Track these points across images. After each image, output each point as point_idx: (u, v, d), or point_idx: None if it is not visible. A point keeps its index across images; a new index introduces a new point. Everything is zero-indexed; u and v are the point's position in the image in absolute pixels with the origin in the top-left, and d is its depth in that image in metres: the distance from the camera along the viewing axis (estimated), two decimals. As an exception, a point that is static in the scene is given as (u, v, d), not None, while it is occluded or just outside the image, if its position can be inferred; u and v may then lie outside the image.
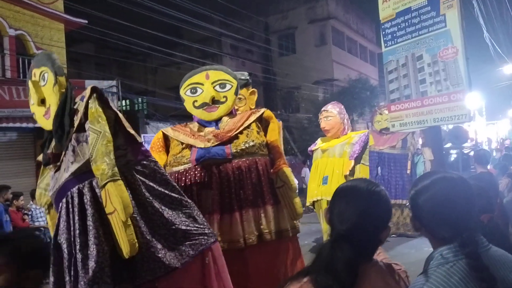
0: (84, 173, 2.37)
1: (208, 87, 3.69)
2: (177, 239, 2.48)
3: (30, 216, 7.16)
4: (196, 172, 3.48)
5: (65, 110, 2.46)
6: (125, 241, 2.22)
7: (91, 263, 2.22)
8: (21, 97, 11.31)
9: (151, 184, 2.52)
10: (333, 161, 6.54)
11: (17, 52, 12.10)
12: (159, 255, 2.37)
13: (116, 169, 2.29)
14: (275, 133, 3.84)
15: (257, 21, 26.05)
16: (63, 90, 2.50)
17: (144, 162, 2.60)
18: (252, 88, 4.65)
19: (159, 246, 2.39)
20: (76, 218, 2.31)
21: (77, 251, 2.25)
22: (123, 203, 2.22)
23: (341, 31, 28.07)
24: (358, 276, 1.25)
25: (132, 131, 2.64)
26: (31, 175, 11.81)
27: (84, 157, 2.38)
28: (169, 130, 3.83)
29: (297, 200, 3.65)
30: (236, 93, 3.79)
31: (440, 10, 3.33)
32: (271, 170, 3.75)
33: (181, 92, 3.80)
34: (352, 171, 6.31)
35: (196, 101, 3.73)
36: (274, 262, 3.71)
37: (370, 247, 1.38)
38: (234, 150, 3.59)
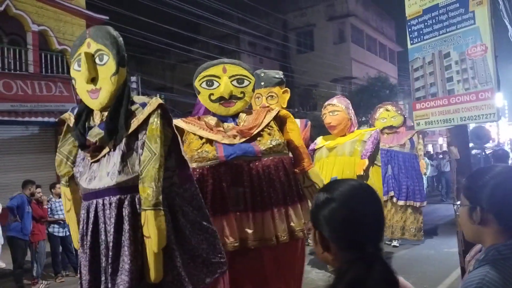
0: (129, 186, 2.35)
1: (226, 81, 3.62)
2: (196, 265, 2.52)
3: (49, 209, 7.26)
4: (225, 169, 3.43)
5: (121, 107, 2.40)
6: (152, 268, 2.26)
7: (123, 277, 2.23)
8: (43, 91, 11.49)
9: (186, 209, 2.53)
10: (342, 160, 5.81)
11: (40, 47, 12.29)
12: (185, 279, 2.40)
13: (160, 198, 2.28)
14: (296, 133, 3.82)
15: (275, 18, 25.96)
16: (121, 82, 2.44)
17: (186, 186, 2.62)
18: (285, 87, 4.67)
19: (183, 271, 2.41)
20: (112, 230, 2.30)
21: (109, 263, 2.27)
22: (159, 235, 2.23)
23: (360, 28, 27.81)
24: None
25: (185, 155, 2.64)
26: (51, 168, 11.93)
27: (133, 171, 2.35)
28: (180, 122, 3.69)
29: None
30: (253, 90, 3.77)
31: (469, 7, 3.25)
32: (296, 170, 3.74)
33: (196, 83, 3.72)
34: (367, 172, 5.64)
35: (212, 94, 3.66)
36: (293, 259, 3.73)
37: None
38: (263, 148, 3.57)
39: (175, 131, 2.55)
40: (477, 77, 3.23)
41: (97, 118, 2.53)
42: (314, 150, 6.18)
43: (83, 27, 13.13)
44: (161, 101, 2.42)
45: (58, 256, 7.35)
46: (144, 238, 2.28)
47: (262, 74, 4.80)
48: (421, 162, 8.19)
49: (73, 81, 2.55)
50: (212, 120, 3.71)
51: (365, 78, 22.47)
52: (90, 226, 2.38)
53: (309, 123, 5.43)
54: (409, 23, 3.73)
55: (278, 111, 3.79)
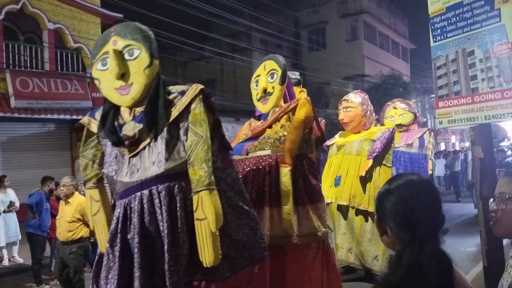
0: (177, 172, 2.35)
1: (263, 78, 3.64)
2: (237, 249, 2.51)
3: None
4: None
5: (158, 98, 2.39)
6: (210, 251, 2.25)
7: (182, 263, 2.26)
8: (59, 89, 11.61)
9: (229, 194, 2.53)
10: (348, 159, 5.63)
11: (56, 45, 12.41)
12: (224, 262, 2.40)
13: (213, 178, 2.28)
14: (293, 125, 3.54)
15: (287, 15, 25.90)
16: (155, 74, 2.42)
17: (228, 171, 2.62)
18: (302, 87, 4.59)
19: (226, 255, 2.41)
20: (166, 216, 2.29)
21: (165, 251, 2.25)
22: (216, 214, 2.23)
23: (373, 26, 27.63)
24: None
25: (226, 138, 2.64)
26: (67, 165, 12.15)
27: (180, 157, 2.35)
28: (246, 124, 3.89)
29: (285, 206, 3.33)
30: (281, 83, 3.61)
31: (495, 5, 3.22)
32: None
33: (251, 86, 3.81)
34: (370, 173, 5.46)
35: (257, 93, 3.71)
36: (285, 270, 3.54)
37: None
38: (249, 147, 3.56)
39: (217, 115, 2.54)
40: (502, 75, 3.20)
41: (126, 115, 2.50)
42: (328, 147, 6.03)
43: (98, 25, 13.24)
44: (202, 86, 2.41)
45: (75, 252, 7.43)
46: (197, 222, 2.27)
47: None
48: (428, 163, 7.65)
49: (96, 81, 2.52)
50: (254, 121, 3.80)
51: (378, 76, 22.32)
52: (135, 219, 2.34)
53: (323, 121, 5.36)
54: (431, 21, 3.70)
55: (297, 102, 3.62)
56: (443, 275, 1.18)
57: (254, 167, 3.46)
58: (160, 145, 2.37)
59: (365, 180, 5.47)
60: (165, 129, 2.37)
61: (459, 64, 3.49)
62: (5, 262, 7.91)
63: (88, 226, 5.50)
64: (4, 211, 7.83)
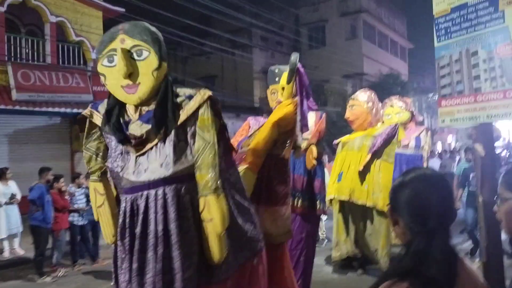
0: (184, 175, 2.41)
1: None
2: (241, 243, 2.61)
3: (69, 198, 7.40)
4: None
5: (167, 100, 2.42)
6: (216, 250, 2.35)
7: (193, 261, 2.33)
8: (60, 82, 11.61)
9: (232, 192, 2.61)
10: (350, 155, 5.76)
11: (57, 38, 12.41)
12: (230, 258, 2.48)
13: (220, 182, 2.36)
14: (261, 129, 3.50)
15: (288, 13, 25.93)
16: (163, 77, 2.45)
17: (231, 171, 2.70)
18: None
19: (232, 250, 2.51)
20: (173, 216, 2.35)
21: (172, 250, 2.32)
22: (222, 216, 2.33)
23: (372, 25, 27.72)
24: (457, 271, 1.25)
25: (231, 141, 2.74)
26: (67, 159, 12.17)
27: (187, 160, 2.41)
28: (251, 119, 3.97)
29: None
30: (288, 82, 3.65)
31: (499, 6, 3.29)
32: None
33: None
34: (368, 167, 5.54)
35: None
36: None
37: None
38: (244, 142, 3.61)
39: (223, 120, 2.60)
40: (505, 76, 3.27)
41: (132, 111, 2.51)
42: (337, 145, 6.17)
43: (100, 19, 13.24)
44: (210, 93, 2.45)
45: (77, 245, 7.50)
46: (204, 222, 2.36)
47: (276, 70, 4.77)
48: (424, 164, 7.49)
49: (102, 77, 2.50)
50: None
51: (377, 75, 22.40)
52: (141, 216, 2.42)
53: (324, 114, 5.35)
54: (436, 21, 3.76)
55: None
56: (448, 265, 1.23)
57: (237, 162, 3.39)
58: (168, 147, 2.40)
59: (363, 175, 5.54)
60: (172, 132, 2.40)
61: (462, 64, 3.55)
62: (6, 254, 7.96)
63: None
64: (6, 203, 7.88)
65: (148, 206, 2.40)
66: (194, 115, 2.42)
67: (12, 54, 11.78)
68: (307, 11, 27.08)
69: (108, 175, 2.76)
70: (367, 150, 5.57)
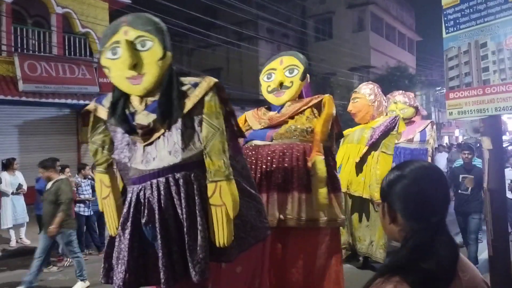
0: (193, 162, 2.44)
1: (279, 72, 3.77)
2: (246, 229, 2.63)
3: (75, 189, 7.44)
4: (245, 152, 3.56)
5: (172, 89, 2.44)
6: (226, 233, 2.38)
7: (201, 244, 2.34)
8: (66, 74, 11.63)
9: (238, 179, 2.61)
10: (350, 148, 5.81)
11: (63, 30, 12.41)
12: (234, 243, 2.50)
13: (231, 169, 2.40)
14: (321, 120, 3.77)
15: (294, 5, 25.75)
16: (168, 66, 2.47)
17: (238, 158, 2.73)
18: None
19: (239, 233, 2.54)
20: (184, 202, 2.38)
21: (184, 233, 2.35)
22: (234, 202, 2.38)
23: (380, 17, 27.46)
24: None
25: (238, 127, 2.76)
26: (73, 150, 12.23)
27: (195, 147, 2.44)
28: (249, 113, 4.03)
29: (322, 190, 3.55)
30: (302, 78, 3.80)
31: (509, -3, 3.25)
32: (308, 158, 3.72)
33: (260, 78, 3.94)
34: (365, 159, 5.57)
35: (269, 86, 3.84)
36: (309, 251, 3.72)
37: None
38: (274, 134, 3.67)
39: (230, 107, 2.63)
40: (514, 68, 3.23)
41: (136, 103, 2.53)
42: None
43: (106, 10, 13.22)
44: (216, 80, 2.47)
45: (83, 235, 7.55)
46: (213, 207, 2.39)
47: None
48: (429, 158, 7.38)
49: (106, 70, 2.54)
50: (261, 110, 3.95)
51: (384, 68, 22.23)
52: (156, 205, 2.42)
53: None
54: (444, 12, 3.72)
55: (322, 99, 3.78)
56: (450, 260, 1.19)
57: (281, 153, 3.62)
58: (175, 135, 2.43)
59: (360, 166, 5.58)
60: (179, 120, 2.42)
61: (471, 56, 3.51)
62: (13, 244, 8.03)
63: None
64: (13, 193, 7.94)
65: (160, 193, 2.41)
66: (200, 103, 2.43)
67: (19, 45, 11.80)
68: (314, 3, 26.87)
69: (115, 167, 2.81)
70: (365, 142, 5.61)
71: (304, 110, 3.75)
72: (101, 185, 2.81)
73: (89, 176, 7.77)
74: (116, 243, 2.52)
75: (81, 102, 11.34)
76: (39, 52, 12.05)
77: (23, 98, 10.73)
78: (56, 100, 11.17)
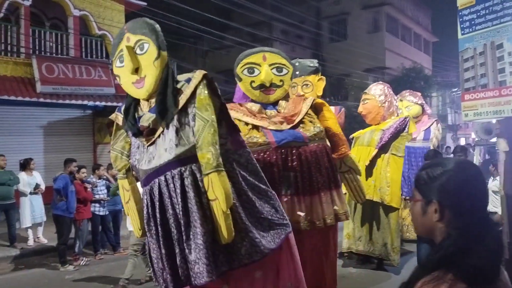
0: (188, 157, 2.47)
1: (266, 69, 3.73)
2: (264, 227, 2.62)
3: (91, 189, 7.54)
4: (276, 154, 3.55)
5: (167, 87, 2.51)
6: (224, 228, 2.37)
7: (197, 241, 2.35)
8: (83, 75, 11.78)
9: (244, 173, 2.63)
10: (360, 150, 5.72)
11: (80, 32, 12.58)
12: (257, 240, 2.49)
13: (220, 160, 2.39)
14: (333, 121, 3.92)
15: (309, 6, 25.66)
16: (164, 65, 2.54)
17: (240, 152, 2.73)
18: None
19: (255, 232, 2.52)
20: (179, 199, 2.41)
21: (182, 231, 2.39)
22: (225, 194, 2.36)
23: (395, 17, 27.22)
24: None
25: (235, 121, 2.77)
26: (89, 150, 12.38)
27: (189, 142, 2.46)
28: (232, 110, 3.87)
29: (362, 184, 3.92)
30: (291, 78, 3.90)
31: (526, -3, 3.21)
32: (334, 155, 3.85)
33: (238, 70, 3.84)
34: (374, 162, 5.51)
35: (253, 81, 3.78)
36: (326, 243, 3.89)
37: None
38: (309, 134, 3.68)
39: (222, 99, 2.65)
40: (531, 69, 3.20)
41: (145, 107, 2.64)
42: (352, 139, 6.14)
43: (122, 12, 13.36)
44: (204, 72, 2.52)
45: (98, 235, 7.66)
46: (210, 202, 2.40)
47: (297, 64, 4.81)
48: None
49: (117, 78, 2.67)
50: (255, 107, 3.81)
51: (399, 69, 22.02)
52: (157, 204, 2.49)
53: (343, 109, 5.40)
54: (460, 13, 3.69)
55: (313, 100, 3.90)
56: (498, 255, 1.16)
57: (314, 154, 3.71)
58: (171, 132, 2.49)
59: (370, 169, 5.54)
60: (175, 117, 2.48)
61: (487, 57, 3.48)
62: (30, 243, 8.16)
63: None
64: (31, 193, 8.09)
65: (162, 192, 2.48)
66: (193, 97, 2.48)
67: (37, 48, 11.99)
68: (329, 4, 26.75)
69: (133, 171, 2.92)
70: (376, 145, 5.56)
71: (307, 112, 3.84)
72: (123, 190, 2.92)
73: (104, 176, 7.88)
74: (149, 244, 2.62)
75: (98, 103, 11.48)
76: (56, 54, 12.22)
77: (41, 100, 10.89)
78: (73, 102, 11.31)
